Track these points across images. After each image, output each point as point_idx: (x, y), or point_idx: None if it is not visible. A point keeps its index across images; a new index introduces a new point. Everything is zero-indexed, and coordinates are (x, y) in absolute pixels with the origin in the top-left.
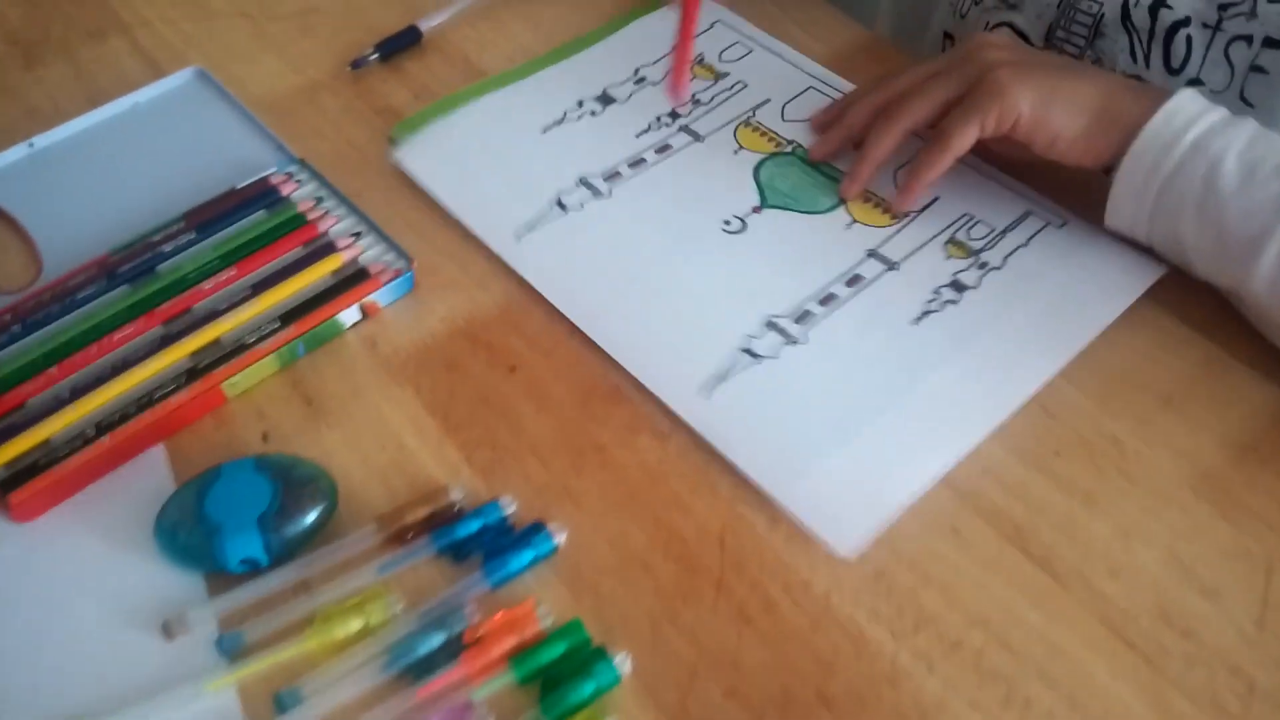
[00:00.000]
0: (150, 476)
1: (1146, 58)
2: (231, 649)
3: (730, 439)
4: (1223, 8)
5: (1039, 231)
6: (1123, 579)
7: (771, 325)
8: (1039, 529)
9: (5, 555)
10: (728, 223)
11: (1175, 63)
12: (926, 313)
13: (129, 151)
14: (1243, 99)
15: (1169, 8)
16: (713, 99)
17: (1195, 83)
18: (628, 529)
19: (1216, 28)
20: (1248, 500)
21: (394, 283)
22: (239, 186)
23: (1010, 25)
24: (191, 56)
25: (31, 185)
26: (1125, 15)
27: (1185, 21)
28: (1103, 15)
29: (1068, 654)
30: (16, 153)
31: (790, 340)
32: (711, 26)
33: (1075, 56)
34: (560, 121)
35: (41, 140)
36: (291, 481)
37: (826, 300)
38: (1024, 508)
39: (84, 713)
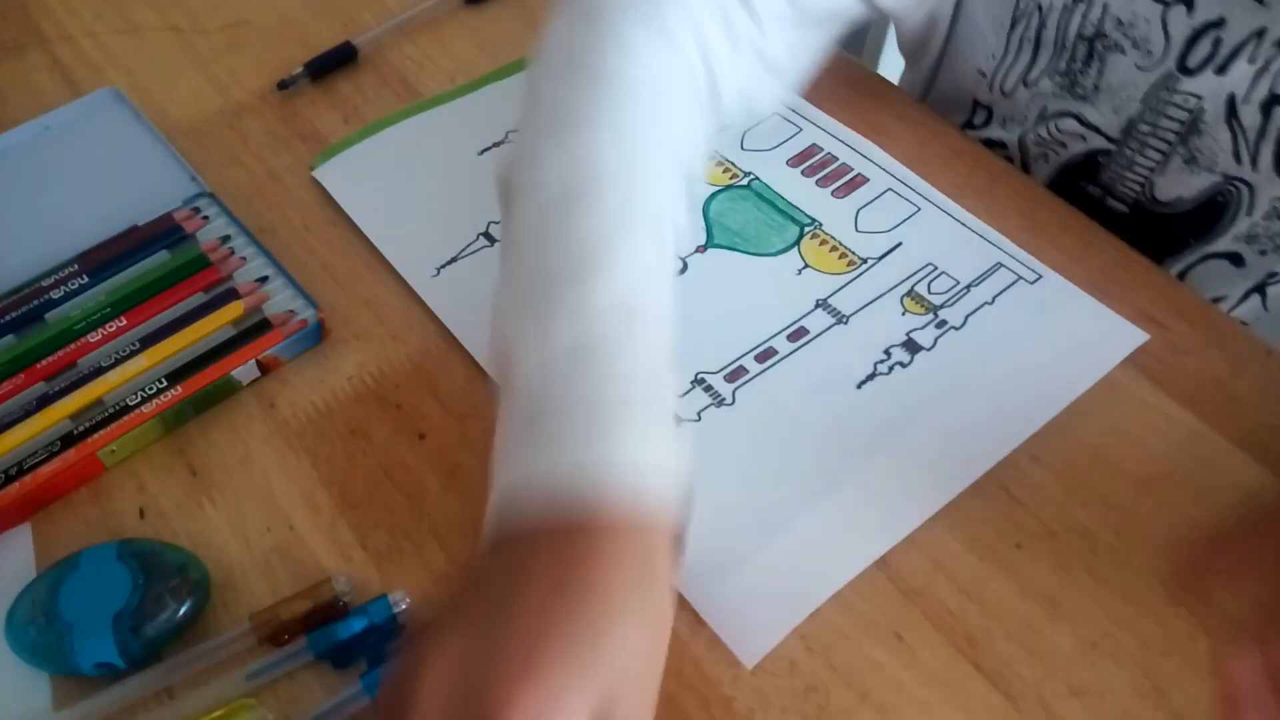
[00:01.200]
0: (14, 558)
1: (1254, 159)
2: None
3: None
4: None
5: (1009, 287)
6: (1085, 701)
7: (698, 382)
8: (994, 638)
9: None
10: None
11: None
12: (873, 375)
13: (33, 180)
14: None
15: None
16: None
17: None
18: None
19: None
20: (1231, 607)
21: (299, 335)
22: (141, 224)
23: (1077, 117)
24: (111, 74)
25: None
26: (1231, 112)
27: None
28: (1202, 111)
29: None
30: None
31: (716, 400)
32: None
33: (1162, 153)
34: (500, 143)
35: None
36: (157, 573)
37: (764, 356)
38: (978, 612)
39: None
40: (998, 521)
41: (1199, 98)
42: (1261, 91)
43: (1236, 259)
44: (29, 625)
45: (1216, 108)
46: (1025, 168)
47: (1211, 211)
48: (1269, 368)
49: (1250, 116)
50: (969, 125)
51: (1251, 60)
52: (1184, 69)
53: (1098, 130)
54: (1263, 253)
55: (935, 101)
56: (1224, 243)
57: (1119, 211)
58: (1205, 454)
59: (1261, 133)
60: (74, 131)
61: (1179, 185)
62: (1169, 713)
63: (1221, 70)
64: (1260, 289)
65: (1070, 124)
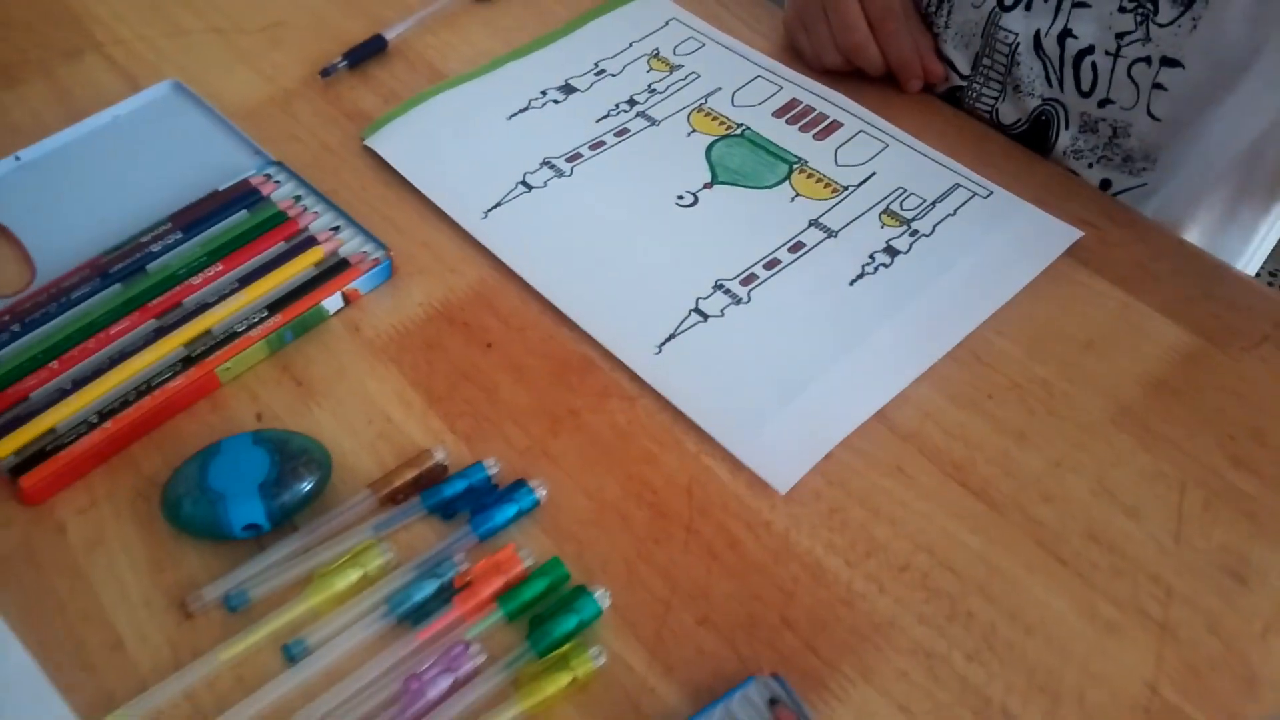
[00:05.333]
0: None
1: (1060, 82)
2: (239, 605)
3: (682, 391)
4: (1119, 36)
5: (966, 202)
6: (1054, 505)
7: (719, 287)
8: (977, 464)
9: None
10: (681, 197)
11: (1085, 86)
12: (862, 275)
13: (112, 161)
14: (1150, 114)
15: (1074, 37)
16: (668, 88)
17: (1106, 103)
18: (603, 483)
19: (1117, 54)
20: (1162, 430)
21: (373, 271)
22: (221, 189)
23: (937, 52)
24: (166, 71)
25: (20, 196)
26: (1036, 45)
27: (1090, 49)
28: (1018, 44)
29: (1005, 572)
30: (4, 166)
31: (735, 300)
32: (666, 24)
33: (999, 83)
34: (524, 109)
35: (28, 154)
36: (287, 453)
37: (770, 265)
38: (963, 446)
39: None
40: (971, 379)
41: (1015, 33)
42: (1058, 26)
43: (1073, 174)
44: (184, 499)
45: (1027, 41)
46: None
47: (1040, 129)
48: (1181, 252)
49: (1051, 47)
50: None
51: (1046, 0)
52: (1003, 6)
53: (954, 67)
54: (1091, 165)
55: None
56: (1058, 156)
57: None
58: (1134, 319)
59: (1061, 61)
60: (142, 119)
61: (1015, 110)
62: (1120, 509)
63: (1028, 8)
64: None
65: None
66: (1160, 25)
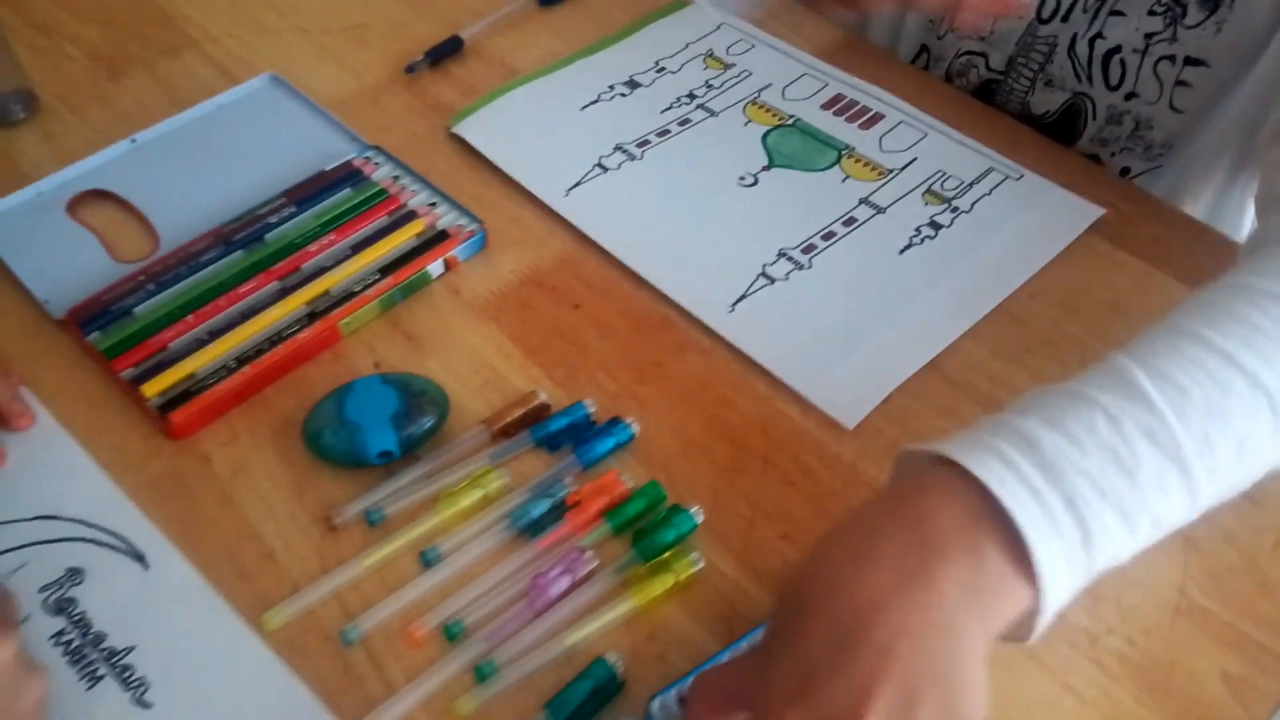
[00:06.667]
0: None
1: (1090, 78)
2: (377, 519)
3: (754, 343)
4: (1148, 36)
5: (1000, 183)
6: None
7: (782, 254)
8: None
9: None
10: (743, 178)
11: (1113, 81)
12: (910, 245)
13: (220, 145)
14: (1172, 107)
15: (1104, 39)
16: (724, 84)
17: (1132, 96)
18: (687, 423)
19: (1145, 52)
20: None
21: (469, 241)
22: (326, 169)
23: (981, 54)
24: (259, 66)
25: (137, 174)
26: (1071, 45)
27: (1118, 49)
28: (1056, 44)
29: None
30: (120, 148)
31: (798, 266)
32: (718, 28)
33: (1030, 79)
34: (595, 102)
35: (142, 136)
36: (411, 391)
37: (827, 236)
38: (1005, 392)
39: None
40: (1011, 336)
41: (1055, 36)
42: (1093, 31)
43: (1095, 159)
44: (324, 430)
45: (1064, 42)
46: None
47: (1070, 119)
48: (1193, 229)
49: (1083, 48)
50: (911, 62)
51: (1084, 10)
52: (1040, 20)
53: (988, 65)
54: (1114, 154)
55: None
56: (1084, 144)
57: None
58: (1154, 285)
59: (1090, 59)
60: (244, 108)
61: (1045, 101)
62: None
63: (1065, 19)
64: None
65: (975, 59)
66: (1187, 27)
